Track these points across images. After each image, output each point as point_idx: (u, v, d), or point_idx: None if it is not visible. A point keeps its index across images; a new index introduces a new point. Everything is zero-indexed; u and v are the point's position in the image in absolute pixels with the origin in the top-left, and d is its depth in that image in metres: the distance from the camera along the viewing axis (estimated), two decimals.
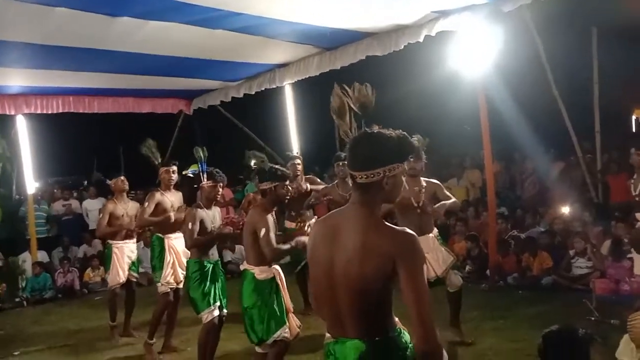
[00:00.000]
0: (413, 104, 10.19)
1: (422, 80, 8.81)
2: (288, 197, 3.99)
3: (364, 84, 2.34)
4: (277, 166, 4.11)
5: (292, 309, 3.89)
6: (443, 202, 4.71)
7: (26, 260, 8.70)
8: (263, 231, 3.73)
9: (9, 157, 1.95)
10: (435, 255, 4.70)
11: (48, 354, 5.66)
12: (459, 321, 4.92)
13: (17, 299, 8.02)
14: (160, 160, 5.65)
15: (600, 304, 5.38)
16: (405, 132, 2.01)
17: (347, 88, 2.32)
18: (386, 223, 1.95)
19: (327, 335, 2.05)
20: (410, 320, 1.83)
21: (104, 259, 6.18)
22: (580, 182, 8.51)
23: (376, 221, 1.93)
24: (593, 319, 4.97)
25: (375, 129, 2.01)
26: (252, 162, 4.05)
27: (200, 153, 4.82)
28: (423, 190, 4.68)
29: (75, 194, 11.21)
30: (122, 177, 6.06)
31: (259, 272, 3.81)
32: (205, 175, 4.61)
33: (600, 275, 6.42)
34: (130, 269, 6.00)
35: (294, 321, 3.87)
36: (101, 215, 6.06)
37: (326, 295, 1.98)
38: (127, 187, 6.09)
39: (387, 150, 1.92)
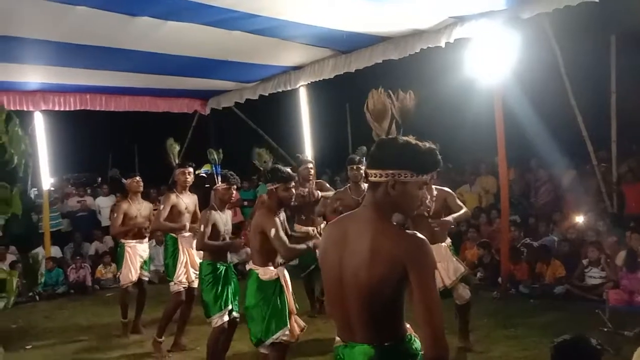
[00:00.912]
0: (428, 109, 10.15)
1: (438, 85, 8.77)
2: (292, 200, 3.93)
3: (408, 92, 2.27)
4: (280, 167, 4.03)
5: (295, 311, 3.87)
6: (452, 214, 4.68)
7: (41, 254, 8.81)
8: (273, 231, 3.70)
9: (30, 154, 1.97)
10: (446, 265, 4.66)
11: (59, 349, 5.71)
12: (468, 332, 4.88)
13: (30, 294, 8.11)
14: (176, 161, 5.67)
15: (613, 314, 5.31)
16: (421, 140, 1.97)
17: (391, 92, 2.26)
18: (396, 226, 1.93)
19: (337, 339, 2.04)
20: (420, 326, 1.82)
21: (117, 257, 6.24)
22: (595, 191, 8.41)
23: (386, 225, 1.91)
24: (606, 329, 4.91)
25: (410, 138, 1.98)
26: (256, 162, 4.02)
27: (215, 155, 4.84)
28: (434, 198, 4.67)
29: (89, 191, 11.33)
30: (138, 178, 6.09)
31: (263, 273, 3.80)
32: (219, 178, 4.59)
33: (614, 285, 6.35)
34: (142, 267, 6.05)
35: (296, 324, 3.85)
36: (115, 215, 6.12)
37: (336, 300, 1.97)
38: (141, 189, 6.14)
39: (403, 155, 1.90)
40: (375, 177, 1.93)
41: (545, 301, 6.56)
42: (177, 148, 5.69)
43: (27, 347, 5.82)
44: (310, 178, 6.28)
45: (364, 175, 1.82)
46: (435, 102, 9.58)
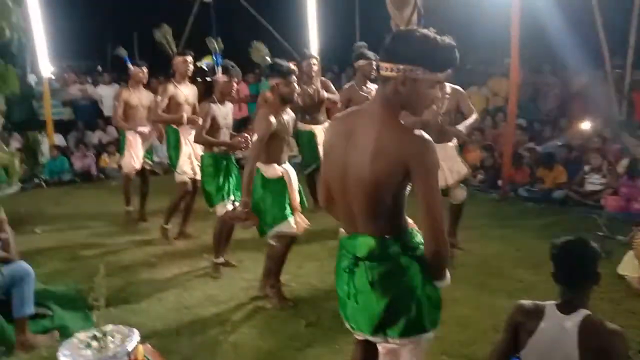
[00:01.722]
0: (444, 6, 9.64)
1: None
2: (295, 95, 3.79)
3: None
4: (279, 61, 3.86)
5: (299, 208, 3.91)
6: (464, 123, 4.58)
7: (43, 140, 8.84)
8: (255, 136, 3.71)
9: (23, 29, 1.85)
10: (450, 165, 4.66)
11: (69, 234, 5.89)
12: (456, 232, 4.92)
13: (36, 180, 8.24)
14: (175, 50, 5.48)
15: (610, 220, 5.41)
16: (440, 35, 1.83)
17: None
18: (403, 125, 1.88)
19: (341, 230, 2.10)
20: (421, 222, 1.87)
21: (119, 145, 6.21)
22: (605, 98, 8.25)
23: (392, 122, 1.87)
24: (601, 234, 5.02)
25: (430, 31, 1.85)
26: (253, 57, 3.80)
27: (215, 45, 4.63)
28: (447, 96, 4.55)
29: (89, 80, 11.13)
30: (144, 69, 5.98)
31: (266, 170, 3.82)
32: (219, 69, 4.45)
33: (612, 192, 6.42)
34: (144, 156, 6.08)
35: (300, 218, 3.91)
36: (117, 103, 6.02)
37: (339, 193, 1.99)
38: (145, 80, 6.05)
39: (417, 50, 1.80)
40: (386, 71, 1.85)
41: (543, 205, 6.68)
42: (171, 34, 5.46)
43: (37, 230, 6.00)
44: (314, 74, 6.05)
45: (375, 69, 1.72)
46: None
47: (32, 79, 10.74)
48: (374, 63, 5.07)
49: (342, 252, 2.06)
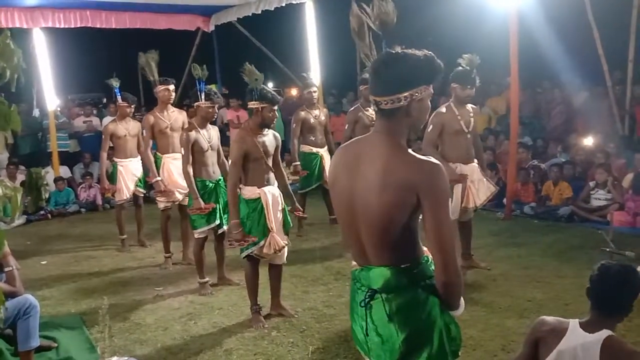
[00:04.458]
0: (441, 28, 9.77)
1: (453, 4, 8.41)
2: (273, 121, 3.95)
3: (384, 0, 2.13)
4: (268, 89, 4.01)
5: (274, 229, 3.95)
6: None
7: (49, 172, 8.90)
8: (230, 160, 3.92)
9: (24, 69, 1.89)
10: (477, 185, 4.69)
11: (74, 265, 5.89)
12: (471, 251, 4.92)
13: (42, 212, 8.28)
14: (157, 77, 5.55)
15: (616, 235, 5.37)
16: (409, 49, 1.84)
17: (365, 6, 2.12)
18: (411, 152, 1.84)
19: (354, 263, 2.02)
20: (432, 252, 1.81)
21: (111, 176, 6.39)
22: (607, 113, 8.25)
23: (400, 150, 1.83)
24: (608, 250, 4.98)
25: (398, 49, 1.86)
26: (246, 78, 3.97)
27: (199, 71, 4.77)
28: (471, 114, 4.65)
29: (94, 112, 11.27)
30: (131, 103, 6.19)
31: (246, 192, 3.96)
32: (202, 95, 4.61)
33: (619, 207, 6.38)
34: (136, 185, 6.24)
35: (274, 240, 3.94)
36: (103, 136, 6.23)
37: (349, 225, 1.93)
38: (130, 114, 6.23)
39: (414, 72, 1.79)
40: (390, 104, 1.81)
41: (550, 222, 6.64)
42: (156, 60, 5.58)
43: (43, 262, 6.01)
44: (314, 101, 6.34)
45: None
46: (449, 21, 9.21)
47: (36, 112, 10.90)
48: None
49: (355, 285, 1.98)
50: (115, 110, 10.54)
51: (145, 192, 6.44)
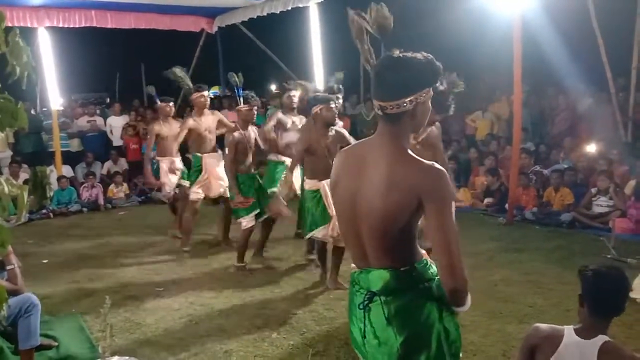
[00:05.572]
0: (446, 35, 9.77)
1: (457, 10, 8.41)
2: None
3: (380, 4, 2.10)
4: (318, 91, 4.77)
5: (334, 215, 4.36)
6: None
7: (53, 171, 8.93)
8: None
9: (34, 67, 1.90)
10: None
11: (75, 264, 5.88)
12: None
13: (44, 211, 8.29)
14: (191, 85, 5.99)
15: (618, 242, 5.36)
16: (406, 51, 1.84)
17: (362, 12, 2.12)
18: (415, 156, 1.83)
19: (353, 265, 2.03)
20: (437, 257, 1.80)
21: (154, 173, 6.60)
22: (610, 120, 8.25)
23: (404, 154, 1.83)
24: (609, 256, 4.97)
25: (396, 52, 1.85)
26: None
27: (236, 78, 5.21)
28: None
29: (98, 111, 11.31)
30: (171, 104, 6.56)
31: (307, 184, 4.62)
32: (241, 99, 5.11)
33: (620, 214, 6.37)
34: (181, 178, 6.50)
35: (335, 225, 4.27)
36: (149, 136, 6.64)
37: (350, 228, 1.93)
38: (172, 113, 6.56)
39: (418, 75, 1.79)
40: (396, 108, 1.80)
41: (551, 228, 6.64)
42: (183, 72, 6.05)
43: (44, 261, 6.01)
44: (294, 107, 5.86)
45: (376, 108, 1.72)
46: (453, 27, 9.21)
47: (41, 111, 10.94)
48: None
49: (354, 288, 1.98)
50: (119, 109, 10.81)
51: (189, 183, 6.35)
